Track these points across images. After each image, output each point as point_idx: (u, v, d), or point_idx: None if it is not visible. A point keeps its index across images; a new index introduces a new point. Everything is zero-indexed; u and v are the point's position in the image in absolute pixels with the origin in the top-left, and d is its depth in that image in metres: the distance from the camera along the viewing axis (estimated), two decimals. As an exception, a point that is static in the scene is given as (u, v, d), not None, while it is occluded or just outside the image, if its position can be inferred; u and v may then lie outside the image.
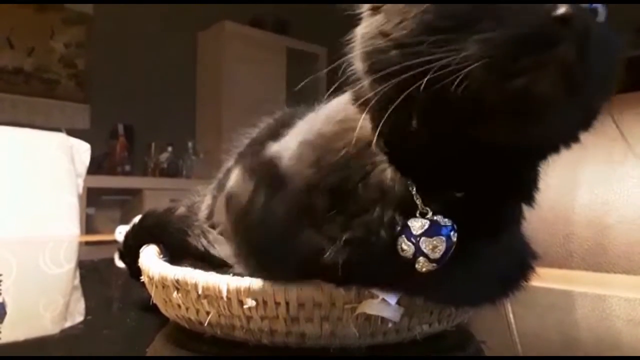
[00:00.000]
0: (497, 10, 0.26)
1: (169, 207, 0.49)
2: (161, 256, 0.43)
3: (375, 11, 0.33)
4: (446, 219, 0.31)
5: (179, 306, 0.37)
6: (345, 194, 0.32)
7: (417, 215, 0.32)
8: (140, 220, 0.51)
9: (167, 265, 0.37)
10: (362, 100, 0.33)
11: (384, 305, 0.32)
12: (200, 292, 0.34)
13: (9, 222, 1.32)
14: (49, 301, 0.59)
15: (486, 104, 0.27)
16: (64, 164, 1.49)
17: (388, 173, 0.32)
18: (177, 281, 0.35)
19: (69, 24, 3.27)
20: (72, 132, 3.07)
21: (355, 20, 0.39)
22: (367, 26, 0.33)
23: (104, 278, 0.89)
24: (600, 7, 0.30)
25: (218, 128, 3.67)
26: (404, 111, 0.29)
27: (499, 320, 0.48)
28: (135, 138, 3.38)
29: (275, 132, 0.42)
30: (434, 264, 0.31)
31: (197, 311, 0.35)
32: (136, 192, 3.13)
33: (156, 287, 0.38)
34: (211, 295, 0.33)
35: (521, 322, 0.50)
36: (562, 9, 0.25)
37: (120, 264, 0.93)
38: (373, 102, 0.31)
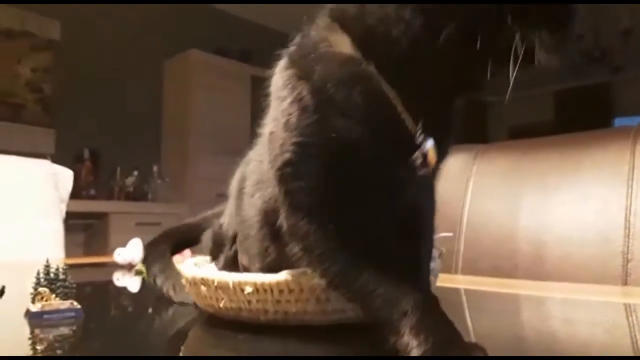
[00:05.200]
0: None
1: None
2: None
3: None
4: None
5: (205, 297, 0.48)
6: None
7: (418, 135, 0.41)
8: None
9: (197, 269, 0.50)
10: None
11: None
12: (215, 284, 0.46)
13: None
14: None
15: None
16: (49, 190, 1.55)
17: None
18: (202, 279, 0.47)
19: (36, 50, 3.29)
20: (36, 156, 3.08)
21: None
22: None
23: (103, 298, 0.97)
24: None
25: (184, 153, 3.74)
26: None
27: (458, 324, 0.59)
28: (100, 162, 3.41)
29: None
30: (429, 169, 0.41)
31: (216, 299, 0.47)
32: (102, 216, 3.15)
33: (191, 285, 0.50)
34: (223, 287, 0.45)
35: (477, 324, 0.58)
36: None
37: (120, 283, 1.02)
38: None
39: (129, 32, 3.74)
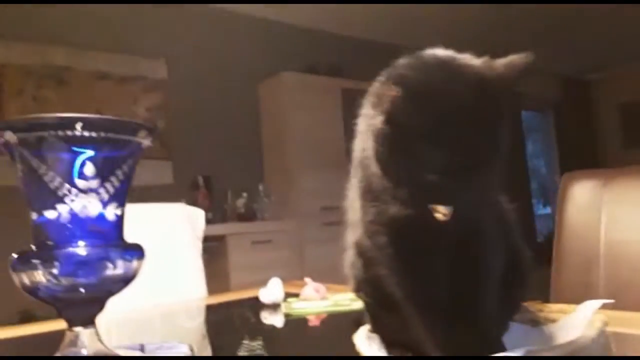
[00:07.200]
0: None
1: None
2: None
3: None
4: None
5: None
6: None
7: None
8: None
9: (376, 349, 0.56)
10: None
11: None
12: None
13: (146, 291, 1.54)
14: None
15: None
16: (187, 231, 1.73)
17: None
18: None
19: (148, 90, 3.62)
20: (158, 188, 3.40)
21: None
22: None
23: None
24: None
25: (285, 170, 3.92)
26: None
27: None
28: (213, 187, 3.67)
29: None
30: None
31: None
32: (220, 238, 3.38)
33: None
34: None
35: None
36: None
37: (267, 321, 1.12)
38: None
39: (223, 62, 3.99)
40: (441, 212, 0.47)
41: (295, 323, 1.08)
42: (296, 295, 1.26)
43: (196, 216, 1.82)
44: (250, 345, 0.63)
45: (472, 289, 0.54)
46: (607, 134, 6.91)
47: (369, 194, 0.53)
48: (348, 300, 1.16)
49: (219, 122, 3.89)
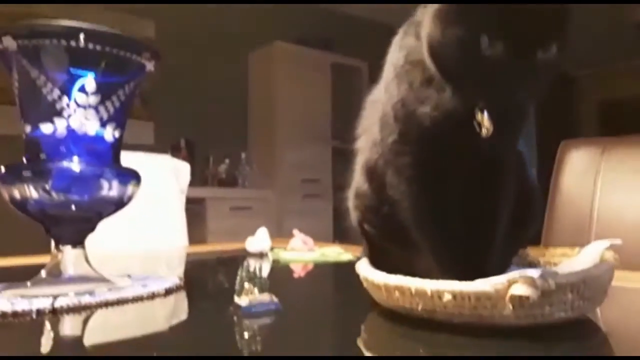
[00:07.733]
0: None
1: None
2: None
3: None
4: None
5: (398, 299, 0.53)
6: None
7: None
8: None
9: (384, 274, 0.55)
10: None
11: (527, 287, 0.45)
12: (413, 292, 0.50)
13: (129, 238, 1.51)
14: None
15: None
16: (171, 182, 1.70)
17: None
18: (397, 287, 0.51)
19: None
20: (138, 147, 3.31)
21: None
22: None
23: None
24: None
25: (269, 141, 3.88)
26: None
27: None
28: (195, 151, 3.61)
29: None
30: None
31: (411, 302, 0.52)
32: (199, 201, 3.33)
33: (376, 288, 0.55)
34: (420, 294, 0.49)
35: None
36: None
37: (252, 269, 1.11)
38: None
39: (215, 28, 3.90)
40: (486, 125, 0.46)
41: (284, 269, 1.08)
42: (283, 248, 1.25)
43: (181, 169, 1.78)
44: (249, 273, 0.61)
45: (488, 218, 0.54)
46: (587, 130, 7.04)
47: (400, 110, 0.51)
48: (335, 253, 1.15)
49: (206, 86, 3.81)
